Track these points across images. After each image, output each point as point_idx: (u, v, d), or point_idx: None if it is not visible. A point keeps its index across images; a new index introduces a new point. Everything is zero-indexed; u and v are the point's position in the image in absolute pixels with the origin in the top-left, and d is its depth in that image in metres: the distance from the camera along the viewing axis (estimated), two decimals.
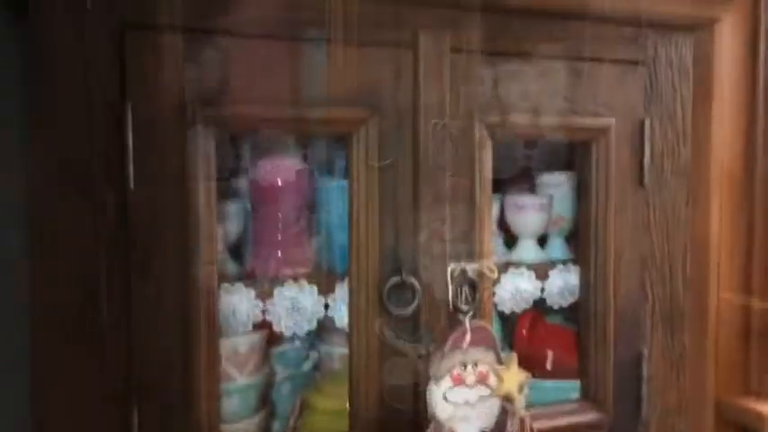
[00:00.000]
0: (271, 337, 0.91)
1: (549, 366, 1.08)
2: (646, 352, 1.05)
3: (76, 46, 0.74)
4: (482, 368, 0.91)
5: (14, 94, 1.03)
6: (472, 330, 0.91)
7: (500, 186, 1.18)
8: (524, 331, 1.06)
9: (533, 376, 1.06)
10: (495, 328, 1.04)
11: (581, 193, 1.06)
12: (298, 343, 1.01)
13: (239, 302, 0.85)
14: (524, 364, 1.05)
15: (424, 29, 0.89)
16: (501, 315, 1.06)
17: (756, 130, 1.51)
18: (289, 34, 0.83)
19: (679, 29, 1.06)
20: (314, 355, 1.04)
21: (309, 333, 0.94)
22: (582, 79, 1.00)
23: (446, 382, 0.88)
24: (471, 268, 0.92)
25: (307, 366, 1.03)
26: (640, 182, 1.04)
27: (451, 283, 0.91)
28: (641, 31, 1.03)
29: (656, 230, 1.07)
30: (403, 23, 0.88)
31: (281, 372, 1.00)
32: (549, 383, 1.04)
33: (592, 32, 1.00)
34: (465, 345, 0.90)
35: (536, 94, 0.97)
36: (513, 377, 0.93)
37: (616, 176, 1.03)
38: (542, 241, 1.15)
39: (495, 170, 0.96)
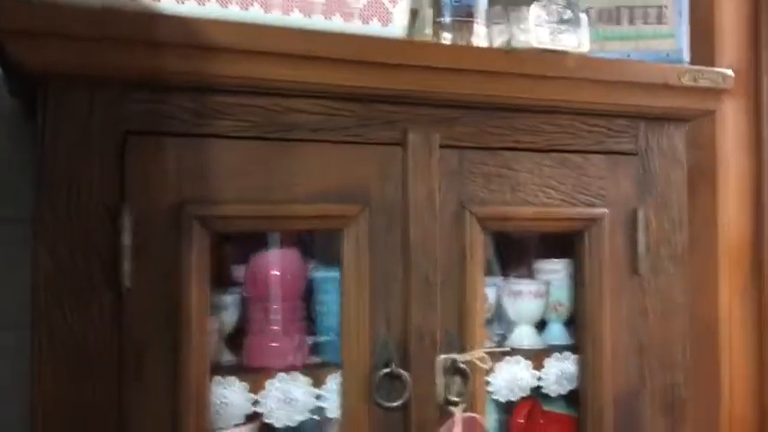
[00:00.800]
0: (263, 428, 0.92)
1: None
2: None
3: (79, 150, 0.79)
4: None
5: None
6: (462, 422, 0.92)
7: (498, 271, 1.20)
8: (520, 420, 1.06)
9: None
10: (490, 418, 1.04)
11: (577, 280, 1.07)
12: None
13: (231, 395, 0.87)
14: None
15: (413, 126, 0.93)
16: (498, 404, 1.06)
17: (763, 212, 1.51)
18: (280, 135, 0.87)
19: (671, 120, 1.08)
20: None
21: (305, 423, 0.95)
22: (574, 170, 1.03)
23: None
24: (462, 359, 0.93)
25: None
26: (636, 270, 1.05)
27: (442, 375, 0.92)
28: (633, 123, 1.06)
29: (653, 318, 1.07)
30: (392, 122, 0.92)
31: None
32: None
33: (583, 125, 1.03)
34: None
35: (527, 185, 1.00)
36: None
37: (611, 264, 1.04)
38: (543, 326, 1.16)
39: (493, 255, 0.99)
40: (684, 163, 1.10)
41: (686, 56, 1.10)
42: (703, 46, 1.44)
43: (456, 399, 0.92)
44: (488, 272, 1.22)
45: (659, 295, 1.07)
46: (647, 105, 1.04)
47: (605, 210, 1.04)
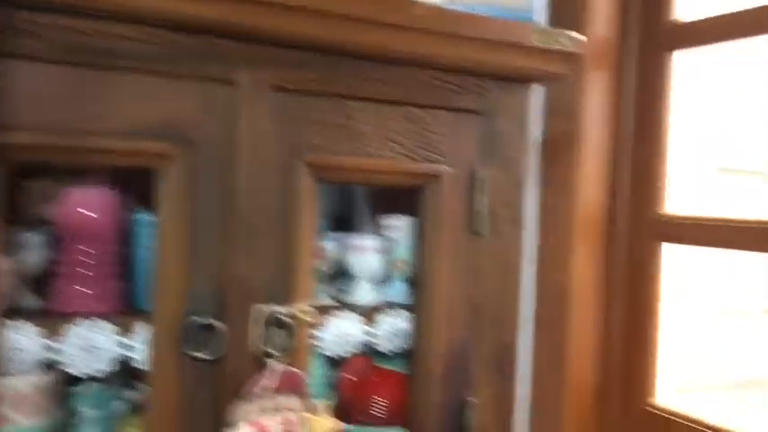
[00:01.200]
0: (65, 377, 0.87)
1: (377, 412, 1.07)
2: (472, 400, 1.05)
3: None
4: (289, 416, 0.89)
5: None
6: (281, 376, 0.89)
7: (343, 226, 1.17)
8: (350, 376, 1.04)
9: (360, 423, 1.04)
10: (318, 373, 1.02)
11: (416, 238, 1.05)
12: (104, 384, 0.96)
13: (25, 341, 0.80)
14: (351, 409, 1.04)
15: (246, 65, 0.87)
16: (328, 360, 1.04)
17: (618, 183, 1.55)
18: (95, 61, 0.80)
19: (520, 81, 1.07)
20: (130, 395, 1.00)
21: (121, 373, 0.90)
22: (417, 125, 1.00)
23: (246, 430, 0.85)
24: (285, 311, 0.90)
25: (118, 408, 0.98)
26: (474, 230, 1.05)
27: (261, 327, 0.89)
28: (481, 81, 1.04)
29: (489, 278, 1.07)
30: (224, 58, 0.86)
31: (87, 413, 0.95)
32: (372, 430, 1.03)
33: (429, 79, 1.00)
34: (271, 391, 0.87)
35: (368, 137, 0.97)
36: (323, 425, 0.91)
37: (450, 223, 1.03)
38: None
39: (338, 210, 0.95)
40: (529, 125, 1.10)
41: (538, 15, 1.09)
42: (572, 13, 1.45)
43: (275, 352, 0.89)
44: (352, 225, 1.20)
45: (496, 256, 1.07)
46: (495, 64, 1.02)
47: (447, 167, 1.02)
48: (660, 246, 1.46)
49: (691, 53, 1.45)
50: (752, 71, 1.74)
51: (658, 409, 1.43)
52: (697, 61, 1.56)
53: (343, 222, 1.22)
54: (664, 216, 1.45)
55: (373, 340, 1.04)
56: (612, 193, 1.53)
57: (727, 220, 1.31)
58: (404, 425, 1.03)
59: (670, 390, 1.49)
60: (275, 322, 0.90)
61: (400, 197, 1.17)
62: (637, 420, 1.46)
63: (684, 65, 1.46)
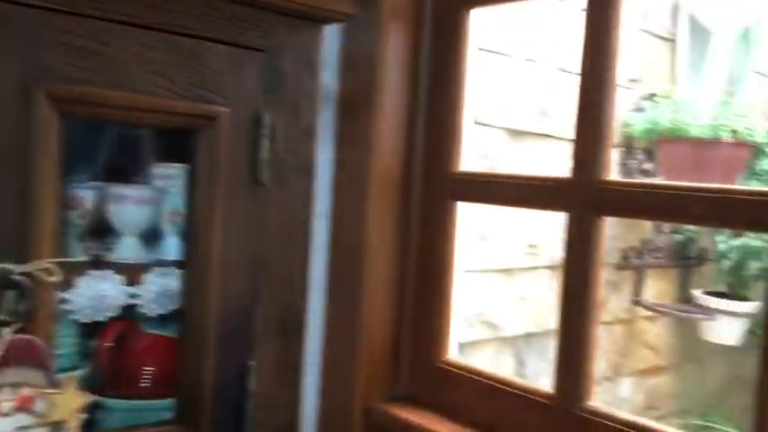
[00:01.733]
0: None
1: (142, 383, 0.95)
2: (253, 365, 0.97)
3: None
4: (25, 392, 0.75)
5: None
6: (13, 346, 0.75)
7: (108, 175, 1.03)
8: (108, 344, 0.91)
9: (122, 396, 0.93)
10: (66, 341, 0.88)
11: (189, 187, 0.94)
12: None
13: None
14: (111, 381, 0.91)
15: None
16: (82, 325, 0.90)
17: (415, 139, 1.53)
18: None
19: (305, 19, 0.98)
20: None
21: None
22: (190, 59, 0.88)
23: None
24: (17, 269, 0.76)
25: None
26: (257, 179, 0.95)
27: None
28: (264, 16, 0.94)
29: (273, 232, 0.98)
30: None
31: None
32: (137, 404, 0.91)
33: (205, 7, 0.88)
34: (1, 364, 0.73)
35: (129, 68, 0.83)
36: (69, 401, 0.78)
37: (229, 171, 0.93)
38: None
39: (117, 160, 0.81)
40: (320, 70, 1.02)
41: None
42: None
43: (6, 318, 0.75)
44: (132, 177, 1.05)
45: (281, 208, 0.98)
46: None
47: (225, 109, 0.91)
48: (454, 204, 1.46)
49: (487, 11, 1.45)
50: (546, 34, 1.80)
51: (450, 364, 1.44)
52: (493, 20, 1.57)
53: (121, 174, 1.07)
54: (457, 174, 1.44)
55: (138, 302, 0.92)
56: (409, 150, 1.50)
57: (517, 177, 1.33)
58: (174, 395, 0.93)
59: (461, 345, 1.51)
60: (6, 282, 0.75)
61: (173, 140, 1.05)
62: (429, 377, 1.46)
63: (481, 23, 1.46)
